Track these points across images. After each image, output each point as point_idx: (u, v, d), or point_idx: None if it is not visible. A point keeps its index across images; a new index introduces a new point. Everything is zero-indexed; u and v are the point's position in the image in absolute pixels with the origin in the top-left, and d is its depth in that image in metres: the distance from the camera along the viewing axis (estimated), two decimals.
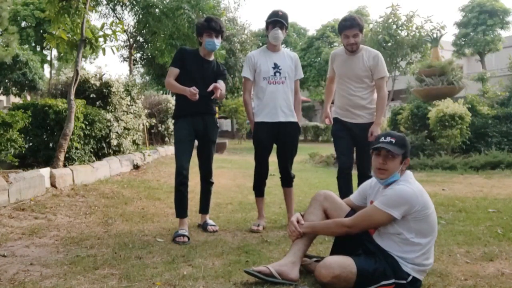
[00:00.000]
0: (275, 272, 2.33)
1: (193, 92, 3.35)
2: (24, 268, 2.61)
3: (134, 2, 13.52)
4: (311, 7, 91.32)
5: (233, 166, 9.55)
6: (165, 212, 4.41)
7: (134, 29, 14.97)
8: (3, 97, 25.06)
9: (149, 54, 16.54)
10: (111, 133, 6.75)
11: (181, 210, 3.53)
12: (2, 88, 19.89)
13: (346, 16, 3.68)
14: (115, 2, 14.24)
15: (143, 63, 18.45)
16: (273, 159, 3.83)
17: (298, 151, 3.91)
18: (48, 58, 25.84)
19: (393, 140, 2.36)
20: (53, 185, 4.85)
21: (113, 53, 6.61)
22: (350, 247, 2.40)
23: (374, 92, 3.74)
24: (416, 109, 10.05)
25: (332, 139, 4.00)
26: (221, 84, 3.57)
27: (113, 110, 7.20)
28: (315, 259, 2.60)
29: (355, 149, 3.84)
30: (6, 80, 19.24)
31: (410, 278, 2.26)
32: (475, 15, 27.20)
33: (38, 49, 25.06)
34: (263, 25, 15.92)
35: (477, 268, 2.61)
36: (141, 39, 15.69)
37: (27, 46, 22.42)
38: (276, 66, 3.74)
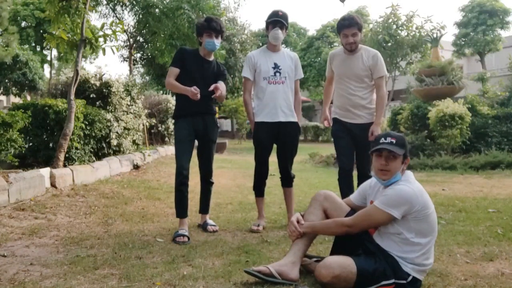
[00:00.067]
0: (275, 272, 2.33)
1: (194, 92, 3.35)
2: (24, 268, 2.61)
3: (134, 2, 13.52)
4: (311, 7, 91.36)
5: (233, 166, 9.55)
6: (165, 212, 4.41)
7: (134, 29, 14.97)
8: (3, 97, 25.06)
9: (149, 54, 16.54)
10: (111, 133, 6.74)
11: (181, 210, 3.53)
12: (2, 88, 19.89)
13: (345, 15, 3.67)
14: (115, 2, 14.24)
15: (143, 63, 18.45)
16: (273, 159, 3.83)
17: (298, 151, 3.90)
18: (48, 58, 25.85)
19: (394, 141, 2.36)
20: (53, 185, 4.85)
21: (113, 53, 6.62)
22: (350, 247, 2.40)
23: (373, 92, 3.74)
24: (416, 109, 10.05)
25: (332, 139, 4.00)
26: (221, 85, 3.57)
27: (113, 110, 7.20)
28: (315, 259, 2.60)
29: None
30: (6, 80, 19.24)
31: (410, 278, 2.26)
32: (475, 15, 27.21)
33: (38, 49, 25.06)
34: (263, 25, 15.94)
35: (477, 268, 2.61)
36: (141, 39, 15.69)
37: (27, 46, 22.42)
38: (276, 66, 3.74)
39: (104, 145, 6.66)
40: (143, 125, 9.05)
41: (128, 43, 15.06)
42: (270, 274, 2.32)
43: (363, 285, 2.22)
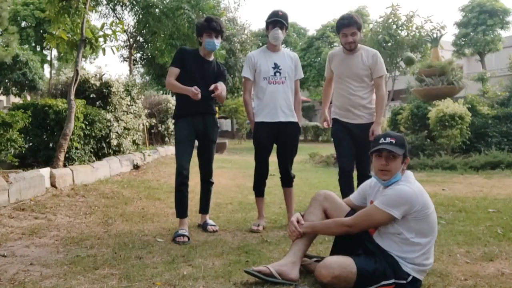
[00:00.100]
0: (275, 272, 2.33)
1: (195, 92, 3.35)
2: (24, 268, 2.61)
3: (134, 2, 13.52)
4: (311, 7, 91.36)
5: (233, 166, 9.55)
6: (165, 212, 4.41)
7: (134, 29, 14.97)
8: (3, 97, 25.07)
9: (149, 54, 16.54)
10: (111, 133, 6.74)
11: (181, 210, 3.53)
12: (2, 88, 19.89)
13: (344, 15, 3.66)
14: (115, 2, 14.24)
15: (143, 63, 18.45)
16: (273, 159, 3.83)
17: (298, 151, 3.90)
18: (48, 58, 25.85)
19: (393, 141, 2.36)
20: (53, 185, 4.85)
21: (113, 53, 6.62)
22: (350, 247, 2.40)
23: (373, 92, 3.74)
24: (416, 109, 10.05)
25: (332, 139, 3.99)
26: (221, 87, 3.58)
27: (113, 110, 7.20)
28: (315, 259, 2.60)
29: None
30: (6, 80, 19.25)
31: (410, 278, 2.26)
32: (475, 15, 27.23)
33: (38, 49, 25.06)
34: (263, 25, 15.94)
35: (477, 268, 2.61)
36: (141, 39, 15.69)
37: (27, 46, 22.43)
38: (276, 66, 3.74)
39: (104, 145, 6.66)
40: (143, 125, 9.05)
41: (128, 43, 15.06)
42: (270, 274, 2.32)
43: (363, 285, 2.22)
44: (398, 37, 17.15)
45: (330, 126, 3.89)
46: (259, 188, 3.88)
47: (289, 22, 3.96)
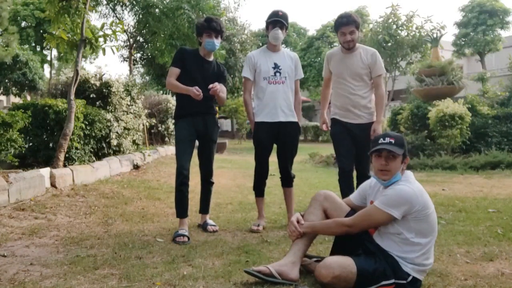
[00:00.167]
0: (275, 272, 2.33)
1: (196, 93, 3.35)
2: (24, 268, 2.61)
3: (134, 2, 13.52)
4: (311, 7, 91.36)
5: (233, 166, 9.56)
6: (165, 212, 4.41)
7: (134, 29, 14.97)
8: (3, 97, 25.07)
9: (149, 54, 16.54)
10: (111, 133, 6.74)
11: (181, 210, 3.53)
12: (2, 88, 19.90)
13: (342, 13, 3.64)
14: (115, 2, 14.24)
15: (143, 63, 18.45)
16: (273, 159, 3.83)
17: (298, 151, 3.90)
18: (48, 58, 25.86)
19: (393, 141, 2.36)
20: (53, 185, 4.85)
21: (113, 53, 6.62)
22: (350, 247, 2.40)
23: (372, 92, 3.73)
24: (416, 109, 10.05)
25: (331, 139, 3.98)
26: (222, 88, 3.58)
27: (113, 110, 7.20)
28: (315, 259, 2.59)
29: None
30: (6, 80, 19.25)
31: (410, 278, 2.26)
32: (475, 15, 27.24)
33: (38, 49, 25.07)
34: (263, 25, 15.92)
35: (477, 268, 2.61)
36: (141, 39, 15.69)
37: (27, 46, 22.43)
38: (276, 66, 3.74)
39: (104, 145, 6.66)
40: (143, 125, 9.05)
41: (128, 43, 15.06)
42: (270, 274, 2.32)
43: (363, 285, 2.22)
44: (398, 37, 17.16)
45: (329, 129, 3.87)
46: (259, 188, 3.88)
47: (289, 22, 3.95)
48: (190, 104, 3.46)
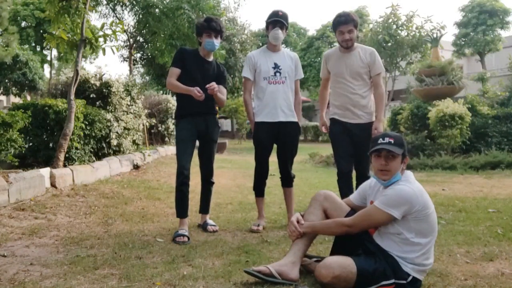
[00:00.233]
0: (275, 272, 2.33)
1: (198, 94, 3.36)
2: (24, 268, 2.61)
3: (134, 2, 13.51)
4: (311, 7, 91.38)
5: (233, 166, 9.55)
6: (165, 212, 4.41)
7: (134, 29, 14.97)
8: (3, 97, 25.07)
9: (149, 54, 16.54)
10: (111, 133, 6.75)
11: (181, 210, 3.53)
12: (2, 88, 19.90)
13: (340, 12, 3.63)
14: (115, 2, 14.24)
15: (143, 63, 18.45)
16: (273, 159, 3.83)
17: (298, 151, 3.90)
18: (48, 58, 25.86)
19: (392, 141, 2.36)
20: (53, 185, 4.85)
21: (113, 53, 6.62)
22: (350, 247, 2.40)
23: (371, 92, 3.73)
24: (416, 109, 10.05)
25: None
26: (221, 90, 3.59)
27: (113, 110, 7.20)
28: (315, 259, 2.59)
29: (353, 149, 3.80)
30: (6, 80, 19.25)
31: (410, 278, 2.26)
32: (475, 15, 27.24)
33: (38, 49, 25.07)
34: (263, 25, 15.91)
35: (477, 268, 2.61)
36: (141, 39, 15.69)
37: (27, 46, 22.43)
38: (276, 66, 3.74)
39: (104, 145, 6.66)
40: (143, 125, 9.05)
41: (128, 43, 15.06)
42: (270, 274, 2.32)
43: (363, 285, 2.22)
44: (398, 37, 17.15)
45: (329, 131, 3.86)
46: (259, 188, 3.88)
47: (289, 22, 3.95)
48: (191, 104, 3.47)
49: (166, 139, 11.74)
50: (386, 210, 2.26)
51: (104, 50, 5.81)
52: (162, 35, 13.17)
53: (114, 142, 6.82)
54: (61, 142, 5.21)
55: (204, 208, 3.80)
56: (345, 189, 3.59)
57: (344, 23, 3.55)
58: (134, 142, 8.06)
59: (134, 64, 16.87)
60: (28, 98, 19.38)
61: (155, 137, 11.40)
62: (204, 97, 3.39)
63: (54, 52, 25.95)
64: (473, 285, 2.34)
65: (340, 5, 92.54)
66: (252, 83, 3.82)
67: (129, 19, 18.28)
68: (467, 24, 27.78)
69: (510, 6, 48.59)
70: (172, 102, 11.74)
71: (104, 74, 7.57)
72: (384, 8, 35.63)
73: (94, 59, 30.16)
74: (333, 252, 2.52)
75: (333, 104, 3.79)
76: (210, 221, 3.75)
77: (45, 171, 4.78)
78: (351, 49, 3.64)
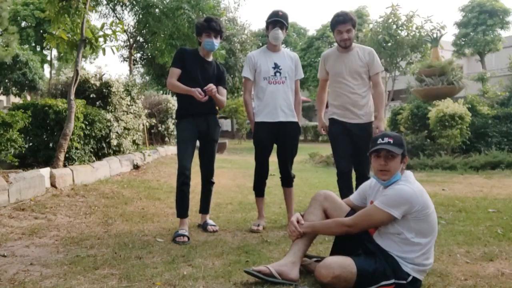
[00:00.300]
0: (275, 272, 2.33)
1: (199, 96, 3.36)
2: (24, 268, 2.61)
3: (134, 2, 13.50)
4: (311, 7, 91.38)
5: (233, 166, 9.55)
6: (165, 212, 4.41)
7: (134, 29, 14.96)
8: (3, 97, 25.06)
9: (149, 54, 16.52)
10: (111, 133, 6.74)
11: (182, 210, 3.54)
12: (2, 88, 19.89)
13: (339, 12, 3.63)
14: (115, 2, 14.23)
15: (143, 63, 18.43)
16: (273, 159, 3.83)
17: (298, 151, 3.90)
18: (48, 58, 25.85)
19: (391, 141, 2.36)
20: (53, 185, 4.85)
21: (113, 53, 6.62)
22: (350, 247, 2.40)
23: (370, 92, 3.73)
24: (416, 109, 10.05)
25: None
26: (221, 91, 3.59)
27: (113, 110, 7.20)
28: (315, 259, 2.60)
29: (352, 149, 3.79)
30: (6, 80, 19.25)
31: (410, 278, 2.26)
32: (475, 15, 27.23)
33: (38, 49, 25.06)
34: (263, 25, 15.93)
35: (477, 268, 2.61)
36: (141, 39, 15.68)
37: (27, 46, 22.43)
38: (276, 66, 3.74)
39: (104, 145, 6.66)
40: (143, 125, 9.05)
41: (128, 43, 15.05)
42: (270, 274, 2.32)
43: (363, 285, 2.22)
44: (398, 37, 17.14)
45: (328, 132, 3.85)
46: (259, 188, 3.88)
47: (289, 22, 3.95)
48: (192, 105, 3.47)
49: (166, 139, 11.74)
50: (386, 210, 2.26)
51: (104, 50, 5.81)
52: (162, 35, 13.16)
53: (114, 142, 6.82)
54: (61, 142, 5.21)
55: (204, 208, 3.80)
56: (345, 189, 3.59)
57: (342, 22, 3.55)
58: (134, 142, 8.06)
59: (134, 64, 16.86)
60: (28, 98, 19.38)
61: (155, 137, 11.40)
62: (207, 98, 3.40)
63: (54, 52, 25.96)
64: (473, 285, 2.34)
65: (340, 5, 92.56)
66: (252, 83, 3.82)
67: (129, 19, 18.27)
68: (467, 24, 27.78)
69: (510, 6, 48.66)
70: (172, 102, 11.74)
71: (104, 74, 7.57)
72: (384, 8, 35.65)
73: (94, 59, 30.17)
74: (333, 252, 2.52)
75: (332, 104, 3.78)
76: (210, 221, 3.76)
77: (45, 171, 4.78)
78: (350, 48, 3.64)
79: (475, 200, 4.94)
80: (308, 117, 33.56)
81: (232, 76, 17.67)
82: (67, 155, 5.41)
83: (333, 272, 2.20)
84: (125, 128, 7.41)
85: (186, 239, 3.27)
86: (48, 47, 22.46)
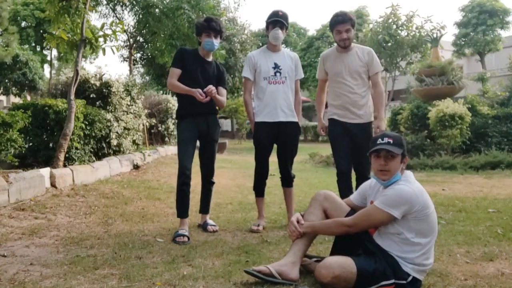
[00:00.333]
0: (275, 272, 2.33)
1: (200, 97, 3.37)
2: (24, 268, 2.61)
3: (134, 2, 13.50)
4: (311, 7, 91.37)
5: (233, 166, 9.55)
6: (165, 212, 4.41)
7: (134, 29, 14.96)
8: (3, 97, 25.06)
9: (149, 54, 16.52)
10: (111, 133, 6.75)
11: (182, 210, 3.54)
12: (2, 88, 19.89)
13: (338, 12, 3.63)
14: (115, 2, 14.22)
15: (143, 63, 18.43)
16: (273, 159, 3.83)
17: (298, 151, 3.90)
18: (48, 58, 25.85)
19: (391, 141, 2.36)
20: (53, 185, 4.85)
21: (113, 53, 6.61)
22: (350, 247, 2.40)
23: (370, 92, 3.73)
24: (416, 109, 10.05)
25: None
26: (221, 92, 3.59)
27: (113, 110, 7.20)
28: (315, 259, 2.60)
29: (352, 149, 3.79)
30: (6, 80, 19.25)
31: (410, 278, 2.26)
32: (475, 15, 27.23)
33: (38, 49, 25.06)
34: (263, 25, 15.93)
35: (477, 268, 2.61)
36: (141, 39, 15.67)
37: (27, 46, 22.42)
38: (276, 66, 3.74)
39: (104, 145, 6.66)
40: (143, 125, 9.05)
41: (128, 43, 15.05)
42: (270, 274, 2.32)
43: (363, 285, 2.22)
44: (398, 37, 17.12)
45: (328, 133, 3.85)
46: (259, 188, 3.88)
47: (289, 22, 3.95)
48: (192, 105, 3.47)
49: (166, 139, 11.74)
50: (386, 210, 2.26)
51: (104, 50, 5.81)
52: (162, 35, 13.16)
53: (114, 142, 6.82)
54: (61, 142, 5.21)
55: (204, 208, 3.80)
56: (345, 189, 3.58)
57: (342, 22, 3.54)
58: (134, 142, 8.06)
59: (134, 64, 16.86)
60: (28, 98, 19.38)
61: (155, 137, 11.40)
62: (209, 99, 3.40)
63: (54, 52, 25.96)
64: (473, 285, 2.34)
65: (340, 5, 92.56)
66: (252, 83, 3.82)
67: (129, 19, 18.27)
68: (467, 24, 27.78)
69: (510, 6, 48.66)
70: (172, 102, 11.74)
71: (104, 74, 7.57)
72: (384, 8, 35.64)
73: (94, 59, 30.17)
74: (333, 252, 2.52)
75: (332, 104, 3.77)
76: (210, 221, 3.76)
77: (45, 171, 4.78)
78: (349, 48, 3.64)
79: (475, 200, 4.94)
80: (308, 117, 33.55)
81: (232, 76, 17.66)
82: (67, 155, 5.41)
83: (333, 272, 2.20)
84: (125, 128, 7.41)
85: (186, 239, 3.27)
86: (48, 47, 22.46)
